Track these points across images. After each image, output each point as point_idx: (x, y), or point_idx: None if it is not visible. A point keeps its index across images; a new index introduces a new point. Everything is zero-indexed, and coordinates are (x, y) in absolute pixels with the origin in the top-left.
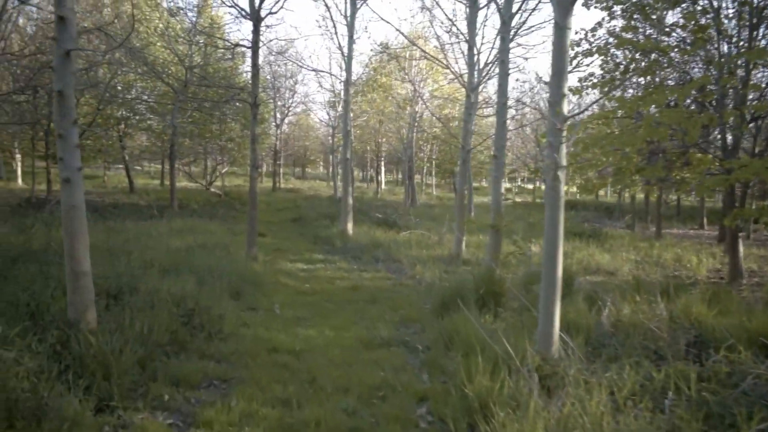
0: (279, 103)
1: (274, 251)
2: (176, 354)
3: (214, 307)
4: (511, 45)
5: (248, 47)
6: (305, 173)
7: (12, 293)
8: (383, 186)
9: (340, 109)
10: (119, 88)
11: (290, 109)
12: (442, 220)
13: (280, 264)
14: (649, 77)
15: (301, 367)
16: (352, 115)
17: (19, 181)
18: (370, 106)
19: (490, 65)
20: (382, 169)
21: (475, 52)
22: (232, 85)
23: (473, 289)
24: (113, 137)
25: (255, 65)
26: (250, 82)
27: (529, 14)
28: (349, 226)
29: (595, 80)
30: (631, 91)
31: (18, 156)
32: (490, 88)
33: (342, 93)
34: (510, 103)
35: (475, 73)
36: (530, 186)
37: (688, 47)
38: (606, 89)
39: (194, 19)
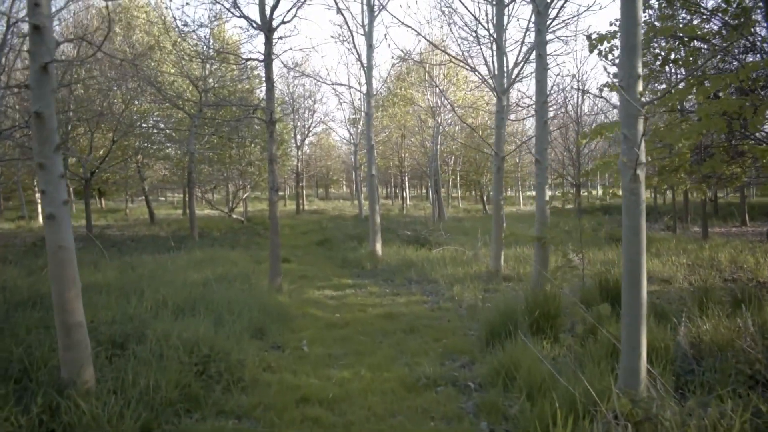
0: (299, 123)
1: (300, 278)
2: (189, 413)
3: (233, 350)
4: (548, 37)
5: (261, 60)
6: (328, 194)
7: (5, 347)
8: (408, 202)
9: (361, 125)
10: (135, 117)
11: (310, 129)
12: (474, 234)
13: (307, 292)
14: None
15: (337, 422)
16: (374, 129)
17: (40, 219)
18: (391, 121)
19: (521, 63)
20: (406, 184)
21: (504, 51)
22: (246, 103)
23: (525, 311)
24: (132, 168)
25: (269, 79)
26: (265, 97)
27: (563, 3)
28: (378, 247)
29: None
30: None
31: (38, 194)
32: (516, 92)
33: (363, 106)
34: (549, 101)
35: (504, 74)
36: (551, 192)
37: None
38: (646, 84)
39: (206, 38)
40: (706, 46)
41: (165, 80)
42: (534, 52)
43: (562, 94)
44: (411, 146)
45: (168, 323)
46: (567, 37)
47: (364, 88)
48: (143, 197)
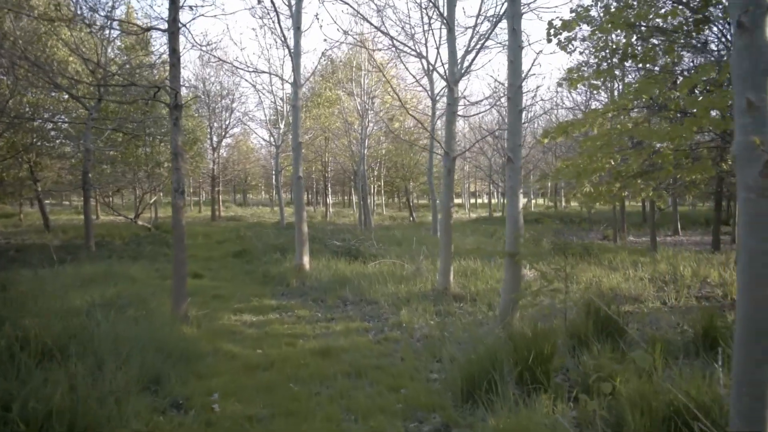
0: (215, 123)
1: (213, 299)
2: None
3: (112, 416)
4: (523, 10)
5: (164, 30)
6: (246, 200)
7: None
8: (331, 209)
9: (282, 125)
10: (25, 109)
11: (227, 130)
12: (407, 244)
13: (221, 318)
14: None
15: None
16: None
17: None
18: (315, 122)
19: (478, 45)
20: (329, 190)
21: (456, 34)
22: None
23: (510, 352)
24: (24, 168)
25: (174, 52)
26: (168, 76)
27: None
28: (306, 260)
29: (588, 70)
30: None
31: None
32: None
33: (290, 97)
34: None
35: (456, 61)
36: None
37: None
38: (602, 79)
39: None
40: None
41: (58, 58)
42: (506, 26)
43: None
44: (335, 150)
45: (22, 377)
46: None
47: (290, 77)
48: (51, 200)
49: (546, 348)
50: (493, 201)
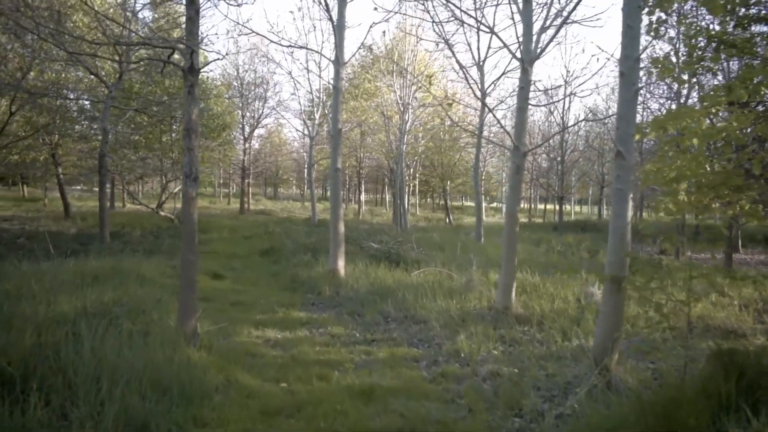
0: (247, 113)
1: (232, 306)
2: None
3: None
4: None
5: None
6: (277, 193)
7: None
8: (364, 207)
9: (317, 116)
10: (39, 84)
11: (260, 120)
12: (450, 250)
13: (239, 334)
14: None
15: None
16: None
17: None
18: (351, 115)
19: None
20: (363, 187)
21: (534, 4)
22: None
23: (633, 421)
24: (44, 150)
25: (192, 1)
26: (185, 33)
27: None
28: (341, 264)
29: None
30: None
31: None
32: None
33: (328, 84)
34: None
35: (533, 37)
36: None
37: None
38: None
39: None
40: None
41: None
42: None
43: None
44: (371, 145)
45: None
46: None
47: (332, 54)
48: (80, 186)
49: (691, 418)
50: (532, 206)
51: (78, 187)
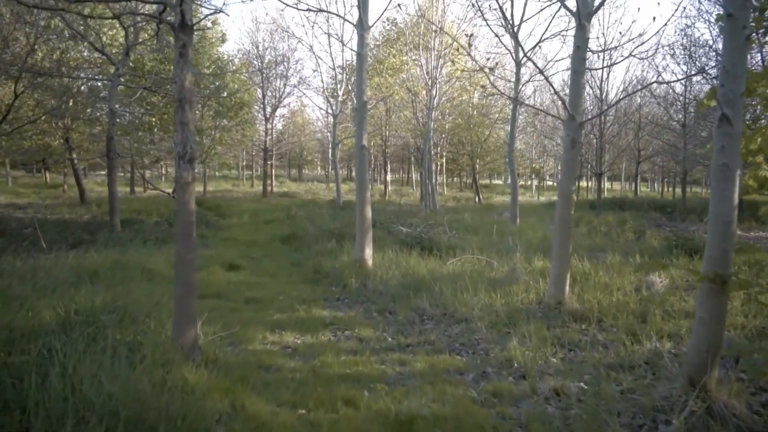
0: (268, 93)
1: (246, 304)
2: None
3: None
4: None
5: None
6: (302, 175)
7: None
8: (390, 187)
9: (341, 93)
10: (46, 65)
11: (282, 99)
12: (486, 233)
13: (252, 341)
14: None
15: None
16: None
17: None
18: (375, 92)
19: None
20: (388, 167)
21: None
22: None
23: None
24: (57, 135)
25: None
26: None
27: None
28: (368, 253)
29: None
30: None
31: None
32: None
33: (355, 45)
34: None
35: None
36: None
37: None
38: None
39: None
40: None
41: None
42: None
43: None
44: (397, 123)
45: None
46: None
47: (356, 19)
48: (104, 171)
49: None
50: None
51: (102, 173)
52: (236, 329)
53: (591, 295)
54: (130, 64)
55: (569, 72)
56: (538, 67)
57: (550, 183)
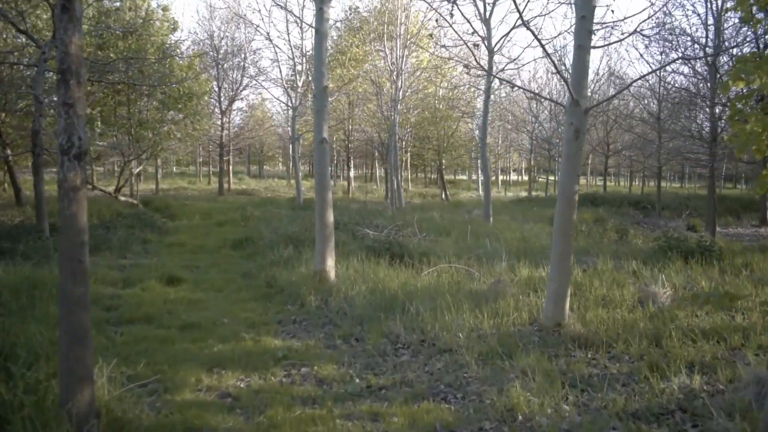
0: (224, 84)
1: (181, 333)
2: None
3: None
4: None
5: None
6: (262, 171)
7: None
8: (353, 183)
9: (300, 84)
10: None
11: (239, 91)
12: (458, 234)
13: (179, 389)
14: None
15: None
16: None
17: None
18: (337, 84)
19: None
20: (351, 163)
21: None
22: None
23: None
24: None
25: None
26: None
27: None
28: (330, 264)
29: None
30: None
31: None
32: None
33: (312, 21)
34: None
35: None
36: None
37: None
38: None
39: None
40: None
41: None
42: None
43: None
44: (360, 117)
45: None
46: None
47: None
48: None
49: None
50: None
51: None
52: (163, 370)
53: (592, 313)
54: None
55: (572, 48)
56: (537, 38)
57: (515, 178)
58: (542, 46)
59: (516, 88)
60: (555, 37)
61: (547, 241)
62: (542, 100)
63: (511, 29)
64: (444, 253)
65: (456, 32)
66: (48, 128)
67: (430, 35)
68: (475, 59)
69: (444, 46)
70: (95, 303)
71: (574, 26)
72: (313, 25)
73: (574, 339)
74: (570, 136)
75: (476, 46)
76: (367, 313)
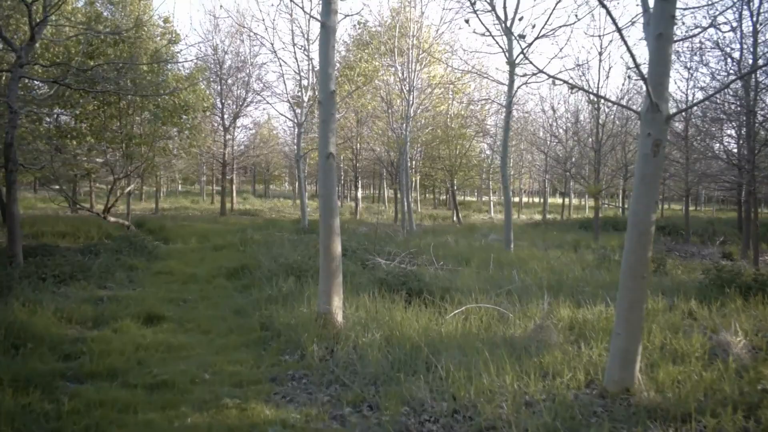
0: (229, 101)
1: (149, 395)
2: None
3: None
4: None
5: None
6: (268, 191)
7: None
8: (361, 204)
9: (306, 99)
10: None
11: (243, 107)
12: (479, 261)
13: None
14: None
15: None
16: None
17: None
18: (345, 102)
19: None
20: (359, 183)
21: None
22: None
23: None
24: None
25: None
26: None
27: None
28: (336, 304)
29: None
30: None
31: None
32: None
33: (319, 13)
34: None
35: None
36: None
37: None
38: None
39: None
40: None
41: None
42: None
43: None
44: (368, 135)
45: None
46: None
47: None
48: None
49: None
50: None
51: (56, 187)
52: None
53: (663, 372)
54: (45, 53)
55: (648, 40)
56: (613, 19)
57: (526, 200)
58: (619, 30)
59: (576, 89)
60: (627, 26)
61: (581, 272)
62: (612, 104)
63: (535, 39)
64: (467, 288)
65: (483, 23)
66: (22, 141)
67: (467, 21)
68: (504, 53)
69: (466, 50)
70: (52, 350)
71: (642, 15)
72: (320, 17)
73: (648, 410)
74: (647, 151)
75: (519, 36)
76: (383, 370)
